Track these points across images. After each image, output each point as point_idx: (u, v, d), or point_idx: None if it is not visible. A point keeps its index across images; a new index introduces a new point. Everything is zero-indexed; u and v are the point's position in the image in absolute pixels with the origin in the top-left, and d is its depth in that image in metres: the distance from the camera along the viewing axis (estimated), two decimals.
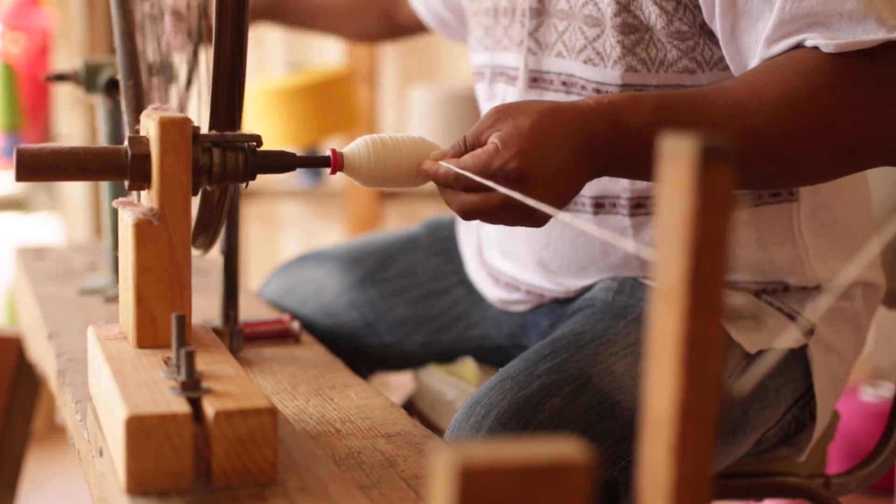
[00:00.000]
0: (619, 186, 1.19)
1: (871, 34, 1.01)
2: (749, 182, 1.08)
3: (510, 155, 0.96)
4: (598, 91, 1.16)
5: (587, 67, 1.16)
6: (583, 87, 1.18)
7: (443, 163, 1.00)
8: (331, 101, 2.93)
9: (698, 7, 1.10)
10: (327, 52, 3.40)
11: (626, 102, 1.01)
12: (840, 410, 1.35)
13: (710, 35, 1.12)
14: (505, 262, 1.34)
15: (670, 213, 0.52)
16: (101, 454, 0.89)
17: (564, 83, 1.19)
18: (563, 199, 0.99)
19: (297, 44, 3.43)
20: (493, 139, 0.98)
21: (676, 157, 0.51)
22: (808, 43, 1.03)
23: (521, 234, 1.28)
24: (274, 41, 3.44)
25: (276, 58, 3.43)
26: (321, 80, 2.93)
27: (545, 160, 0.97)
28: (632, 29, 1.13)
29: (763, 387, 1.19)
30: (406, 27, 1.70)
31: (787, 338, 1.20)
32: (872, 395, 2.52)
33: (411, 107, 3.06)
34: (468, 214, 0.99)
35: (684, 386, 0.52)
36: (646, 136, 1.00)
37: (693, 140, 0.51)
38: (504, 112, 0.99)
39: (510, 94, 1.25)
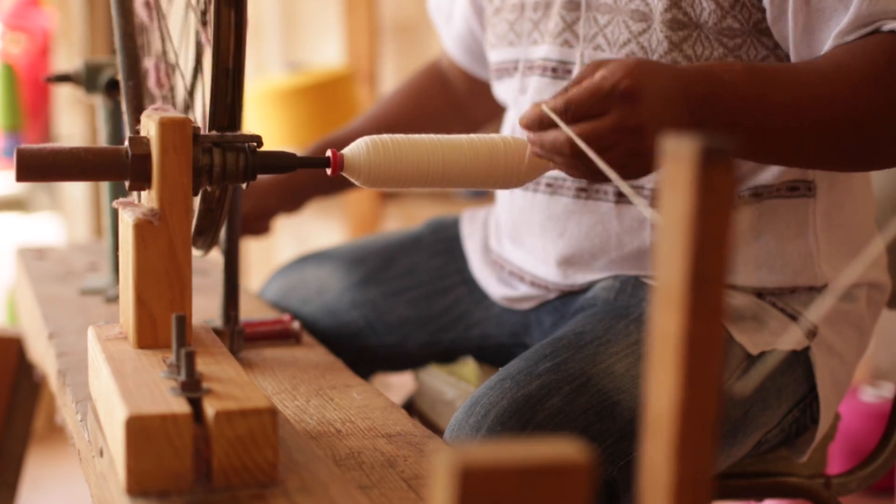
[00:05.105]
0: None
1: None
2: (832, 156, 1.10)
3: (621, 75, 0.98)
4: None
5: None
6: None
7: (545, 102, 1.00)
8: (331, 101, 2.93)
9: (757, 5, 1.13)
10: (327, 53, 3.40)
11: (717, 64, 1.06)
12: (840, 411, 1.34)
13: (761, 34, 1.15)
14: (514, 251, 1.34)
15: (671, 214, 0.52)
16: (101, 454, 0.89)
17: None
18: (668, 126, 1.00)
19: (296, 44, 3.43)
20: (601, 72, 0.99)
21: (677, 157, 0.51)
22: (886, 28, 1.06)
23: (537, 222, 1.28)
24: (272, 41, 3.44)
25: (275, 58, 3.43)
26: (321, 80, 2.93)
27: (654, 84, 0.99)
28: (681, 25, 1.15)
29: (764, 388, 1.18)
30: (480, 104, 1.57)
31: (790, 339, 1.20)
32: (873, 395, 2.51)
33: None
34: (587, 139, 0.98)
35: (685, 386, 0.52)
36: (742, 92, 1.03)
37: (694, 141, 0.51)
38: (601, 61, 1.01)
39: (546, 86, 1.24)
